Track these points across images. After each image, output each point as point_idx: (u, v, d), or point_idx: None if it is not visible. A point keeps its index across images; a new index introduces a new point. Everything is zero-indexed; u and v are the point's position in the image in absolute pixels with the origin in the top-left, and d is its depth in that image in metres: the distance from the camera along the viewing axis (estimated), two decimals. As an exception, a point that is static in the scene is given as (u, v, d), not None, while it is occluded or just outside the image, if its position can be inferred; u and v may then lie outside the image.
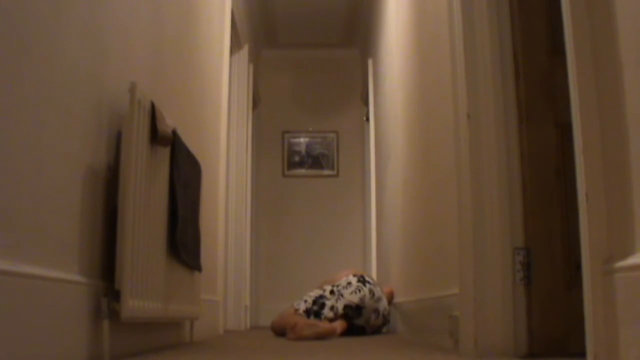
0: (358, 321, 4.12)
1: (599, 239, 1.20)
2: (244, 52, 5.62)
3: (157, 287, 2.15)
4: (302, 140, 7.21)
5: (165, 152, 2.25)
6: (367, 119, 6.40)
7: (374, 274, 5.68)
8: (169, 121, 2.26)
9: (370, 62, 6.10)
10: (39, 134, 1.47)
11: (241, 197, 5.34)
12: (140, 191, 1.96)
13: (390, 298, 4.40)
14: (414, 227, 3.63)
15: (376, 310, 4.16)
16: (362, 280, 4.24)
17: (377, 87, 5.76)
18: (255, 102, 6.46)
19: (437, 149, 2.94)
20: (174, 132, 2.31)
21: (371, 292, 4.16)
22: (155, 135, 2.06)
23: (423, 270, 3.34)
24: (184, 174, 2.46)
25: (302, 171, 7.13)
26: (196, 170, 2.74)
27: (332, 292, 4.21)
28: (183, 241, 2.43)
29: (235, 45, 5.30)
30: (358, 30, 6.76)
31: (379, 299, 4.17)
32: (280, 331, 3.96)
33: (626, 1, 1.17)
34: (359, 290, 4.16)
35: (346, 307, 4.10)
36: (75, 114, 1.69)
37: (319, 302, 4.16)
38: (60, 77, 1.59)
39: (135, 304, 1.90)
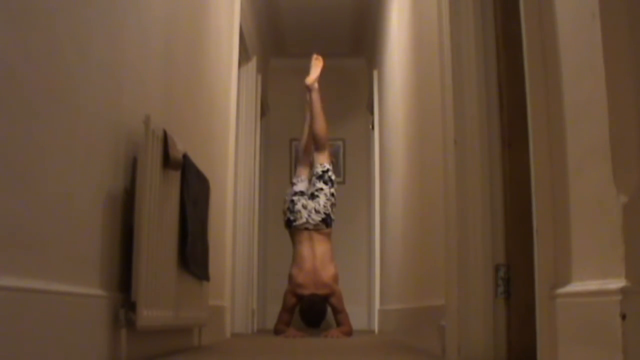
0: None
1: (546, 268, 1.40)
2: (252, 64, 5.82)
3: (168, 298, 2.36)
4: (309, 147, 7.40)
5: (176, 174, 2.46)
6: (373, 127, 6.59)
7: (377, 279, 5.88)
8: (180, 146, 2.47)
9: (375, 74, 6.29)
10: (67, 166, 1.68)
11: (249, 203, 5.54)
12: (153, 211, 2.17)
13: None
14: (411, 240, 3.83)
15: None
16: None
17: (381, 99, 5.95)
18: (264, 111, 6.65)
19: (430, 170, 3.13)
20: (185, 156, 2.52)
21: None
22: (167, 161, 2.27)
23: (418, 281, 3.54)
24: (194, 192, 2.67)
25: (309, 178, 7.32)
26: (205, 188, 2.95)
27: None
28: (192, 254, 2.64)
29: (243, 58, 5.50)
30: (365, 40, 6.95)
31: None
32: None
33: (569, 58, 1.37)
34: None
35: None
36: (97, 147, 1.90)
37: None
38: (84, 115, 1.80)
39: (150, 313, 2.11)
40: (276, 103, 7.36)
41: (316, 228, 5.24)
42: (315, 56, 5.81)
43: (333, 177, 5.48)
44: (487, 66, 2.51)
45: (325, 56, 7.36)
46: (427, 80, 3.23)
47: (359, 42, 7.10)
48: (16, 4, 1.42)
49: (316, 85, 5.67)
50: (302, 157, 5.74)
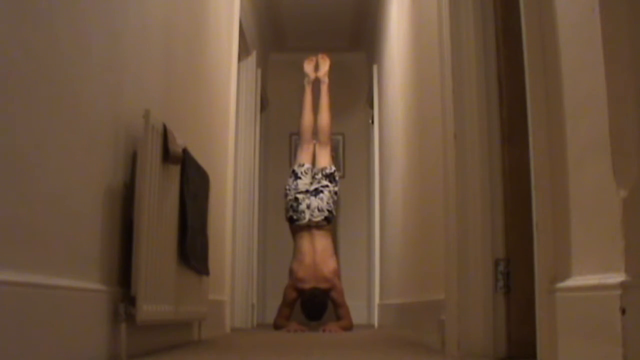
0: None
1: (546, 262, 1.40)
2: (252, 58, 5.81)
3: (168, 292, 2.36)
4: (309, 142, 7.39)
5: (176, 169, 2.46)
6: (373, 122, 6.59)
7: (377, 274, 5.89)
8: (180, 141, 2.47)
9: (375, 68, 6.28)
10: (66, 161, 1.68)
11: (249, 197, 5.54)
12: (153, 206, 2.17)
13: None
14: (410, 234, 3.83)
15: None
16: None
17: (381, 94, 5.95)
18: (263, 105, 6.64)
19: (430, 164, 3.13)
20: (184, 151, 2.52)
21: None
22: (167, 155, 2.27)
23: (417, 275, 3.54)
24: (193, 187, 2.67)
25: (309, 172, 7.31)
26: (205, 182, 2.95)
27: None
28: (192, 249, 2.64)
29: (243, 52, 5.49)
30: (364, 35, 6.94)
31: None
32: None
33: (569, 55, 1.37)
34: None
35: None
36: (97, 141, 1.90)
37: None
38: (83, 110, 1.80)
39: (149, 308, 2.11)
40: (276, 97, 7.35)
41: (317, 225, 5.29)
42: (321, 55, 6.15)
43: (337, 178, 5.64)
44: (486, 60, 2.50)
45: (325, 50, 7.36)
46: (427, 74, 3.22)
47: (358, 36, 7.08)
48: (17, 2, 1.42)
49: (327, 79, 6.00)
50: (302, 143, 5.79)
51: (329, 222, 5.38)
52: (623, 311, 1.09)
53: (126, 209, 2.13)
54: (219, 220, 3.94)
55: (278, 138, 7.36)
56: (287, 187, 5.52)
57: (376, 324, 5.87)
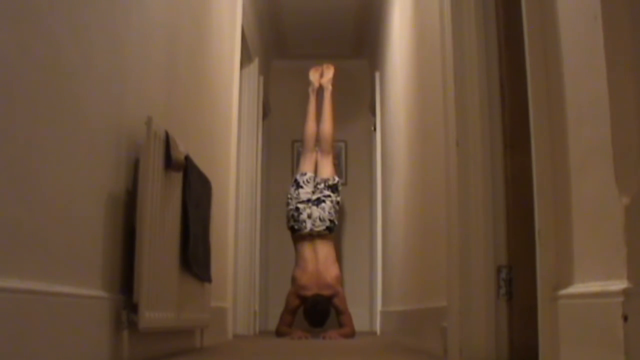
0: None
1: (548, 269, 1.40)
2: (254, 65, 5.82)
3: (170, 299, 2.36)
4: (311, 149, 7.38)
5: (178, 176, 2.46)
6: (375, 129, 6.59)
7: (379, 281, 5.88)
8: (182, 148, 2.47)
9: (377, 75, 6.29)
10: (69, 168, 1.69)
11: (251, 205, 5.54)
12: (155, 213, 2.17)
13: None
14: (413, 241, 3.83)
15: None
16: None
17: (383, 101, 5.95)
18: (266, 112, 6.65)
19: (432, 171, 3.13)
20: (187, 157, 2.53)
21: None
22: (169, 162, 2.28)
23: (420, 282, 3.54)
24: (195, 194, 2.67)
25: (311, 179, 7.30)
26: (207, 189, 2.95)
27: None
28: (194, 256, 2.64)
29: (245, 59, 5.49)
30: (366, 42, 6.94)
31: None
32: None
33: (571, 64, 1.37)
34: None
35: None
36: (99, 148, 1.91)
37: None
38: (86, 116, 1.81)
39: (152, 315, 2.11)
40: (278, 104, 7.35)
41: (319, 234, 5.30)
42: (326, 65, 6.24)
43: (340, 188, 5.65)
44: (489, 67, 2.50)
45: (327, 58, 7.38)
46: (429, 81, 3.23)
47: (361, 43, 7.09)
48: (18, 9, 1.42)
49: (330, 86, 6.06)
50: (305, 152, 5.80)
51: (331, 231, 5.40)
52: (625, 318, 1.09)
53: (128, 216, 2.13)
54: (221, 227, 3.94)
55: (280, 145, 7.36)
56: (289, 196, 5.53)
57: (378, 331, 5.86)
